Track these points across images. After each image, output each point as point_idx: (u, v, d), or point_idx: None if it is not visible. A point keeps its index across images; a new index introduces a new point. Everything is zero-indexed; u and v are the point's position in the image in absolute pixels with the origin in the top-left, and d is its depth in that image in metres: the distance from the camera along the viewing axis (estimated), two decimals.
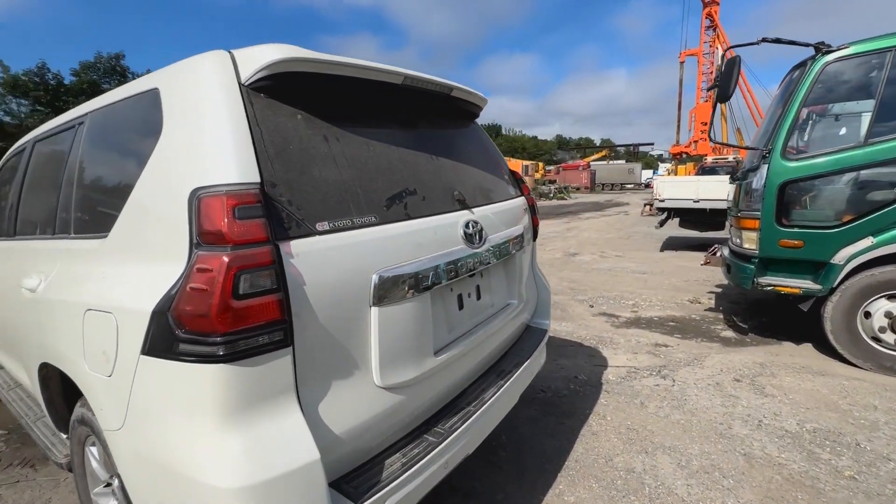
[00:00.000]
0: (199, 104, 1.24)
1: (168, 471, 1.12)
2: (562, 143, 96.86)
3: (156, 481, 1.17)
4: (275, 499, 1.05)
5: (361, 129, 1.49)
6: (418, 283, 1.42)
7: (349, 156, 1.40)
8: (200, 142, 1.20)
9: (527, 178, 38.12)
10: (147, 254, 1.24)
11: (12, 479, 2.40)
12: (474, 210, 1.81)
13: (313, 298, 1.17)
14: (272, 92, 1.29)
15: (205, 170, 1.13)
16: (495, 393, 1.77)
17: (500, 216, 2.01)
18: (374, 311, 1.30)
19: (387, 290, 1.32)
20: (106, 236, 1.43)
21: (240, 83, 1.24)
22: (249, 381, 1.07)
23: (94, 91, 27.11)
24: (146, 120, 1.40)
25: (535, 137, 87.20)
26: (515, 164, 39.44)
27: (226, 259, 1.02)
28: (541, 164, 45.24)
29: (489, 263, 1.80)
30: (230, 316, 1.02)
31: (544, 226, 15.00)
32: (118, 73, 29.30)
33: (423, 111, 1.83)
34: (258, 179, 1.13)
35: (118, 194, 1.40)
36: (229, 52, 1.30)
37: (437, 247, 1.54)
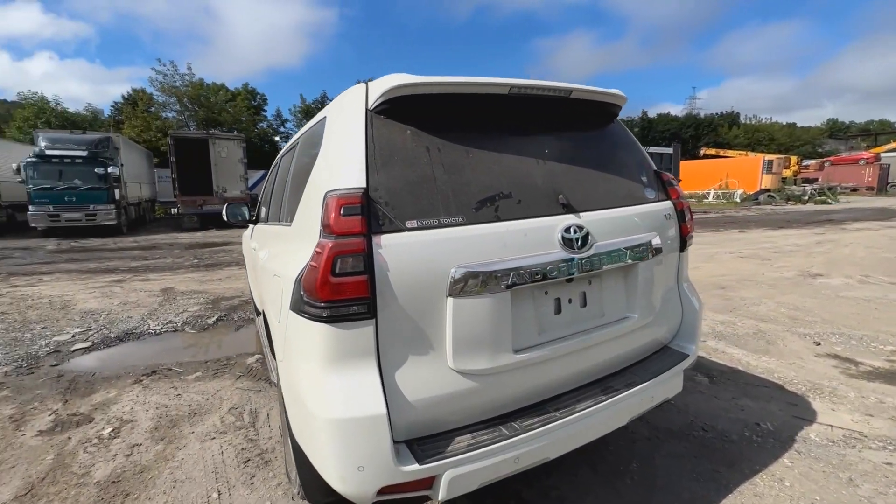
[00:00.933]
0: (341, 127, 1.63)
1: (295, 395, 1.54)
2: (836, 130, 73.36)
3: (292, 402, 1.63)
4: (350, 435, 1.33)
5: (465, 138, 1.65)
6: (497, 281, 1.49)
7: (447, 163, 1.57)
8: (336, 155, 1.58)
9: (769, 177, 30.51)
10: (304, 238, 1.70)
11: (258, 388, 3.51)
12: (582, 215, 1.74)
13: (396, 283, 1.40)
14: (390, 113, 1.58)
15: (333, 177, 1.50)
16: (591, 406, 1.67)
17: (621, 222, 1.85)
18: (450, 301, 1.45)
19: (463, 285, 1.45)
20: (290, 224, 2.00)
21: (366, 108, 1.58)
22: (342, 340, 1.38)
23: None
24: (317, 140, 1.89)
25: (793, 125, 68.23)
26: (753, 161, 32.21)
27: (329, 245, 1.35)
28: (793, 159, 35.45)
29: (595, 270, 1.70)
30: (328, 288, 1.34)
31: (779, 237, 11.93)
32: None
33: (540, 116, 1.85)
34: (364, 185, 1.43)
35: (300, 193, 1.94)
36: (366, 84, 1.65)
37: (526, 249, 1.57)
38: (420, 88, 1.55)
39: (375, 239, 1.39)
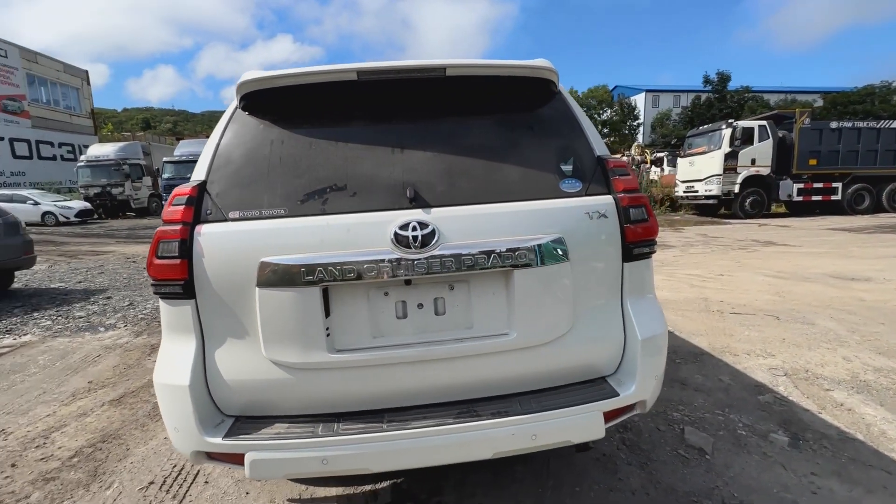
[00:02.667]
0: (218, 124, 1.77)
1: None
2: None
3: None
4: (166, 399, 1.50)
5: (313, 130, 1.60)
6: (300, 275, 1.43)
7: (286, 156, 1.56)
8: (204, 150, 1.72)
9: None
10: None
11: None
12: (435, 210, 1.50)
13: (212, 269, 1.49)
14: (249, 109, 1.65)
15: (195, 171, 1.66)
16: (433, 427, 1.46)
17: (496, 220, 1.51)
18: (258, 291, 1.46)
19: (268, 275, 1.44)
20: None
21: (235, 106, 1.68)
22: (170, 315, 1.54)
23: None
24: None
25: None
26: None
27: (157, 231, 1.52)
28: None
29: (446, 274, 1.45)
30: (153, 269, 1.51)
31: None
32: None
33: (418, 99, 1.65)
34: (203, 178, 1.55)
35: None
36: None
37: (347, 245, 1.46)
38: (267, 83, 1.57)
39: (198, 228, 1.51)
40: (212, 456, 1.50)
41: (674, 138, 35.52)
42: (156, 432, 2.77)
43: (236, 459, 1.47)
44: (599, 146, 1.70)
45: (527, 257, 1.48)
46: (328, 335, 1.49)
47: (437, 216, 1.48)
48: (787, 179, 15.39)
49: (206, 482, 2.30)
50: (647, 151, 21.13)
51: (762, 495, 2.07)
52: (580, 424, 1.52)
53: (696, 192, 16.01)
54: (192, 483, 2.29)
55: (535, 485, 2.20)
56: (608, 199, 1.61)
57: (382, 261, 1.43)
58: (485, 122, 1.68)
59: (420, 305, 1.54)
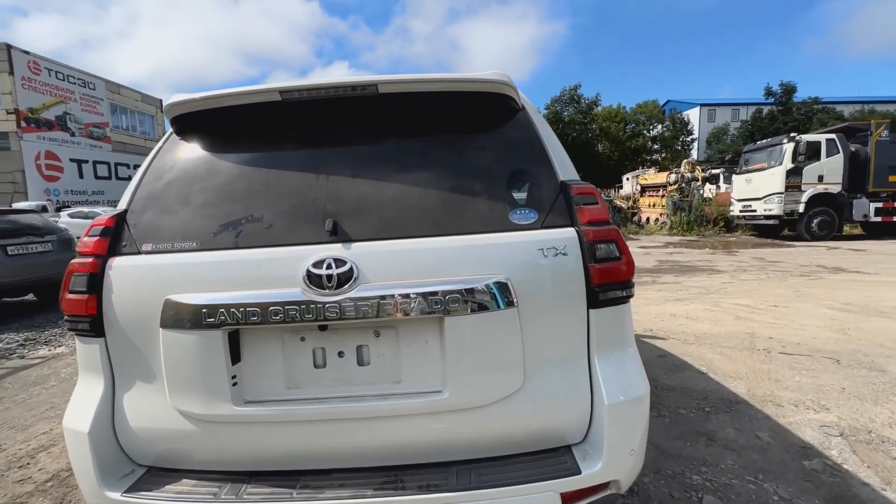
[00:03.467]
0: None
1: None
2: None
3: None
4: (70, 444, 1.38)
5: (236, 155, 1.48)
6: (201, 317, 1.28)
7: (205, 184, 1.44)
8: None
9: None
10: None
11: None
12: (357, 245, 1.30)
13: (120, 306, 1.37)
14: (180, 132, 1.57)
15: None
16: (348, 501, 1.24)
17: (429, 256, 1.28)
18: (161, 332, 1.32)
19: (171, 316, 1.30)
20: None
21: (171, 131, 1.60)
22: (81, 353, 1.44)
23: (556, 120, 34.37)
24: None
25: None
26: None
27: (70, 263, 1.43)
28: None
29: (362, 319, 1.24)
30: (65, 303, 1.42)
31: None
32: (574, 101, 35.61)
33: (351, 119, 1.48)
34: (125, 208, 1.46)
35: None
36: None
37: (255, 284, 1.29)
38: (189, 106, 1.47)
39: (111, 261, 1.40)
40: None
41: (731, 154, 33.45)
42: None
43: None
44: (565, 171, 1.45)
45: (461, 302, 1.25)
46: (234, 384, 1.32)
47: (358, 252, 1.29)
48: (861, 198, 13.82)
49: None
50: (700, 168, 19.86)
51: None
52: None
53: (754, 211, 14.73)
54: None
55: None
56: (569, 232, 1.34)
57: (290, 303, 1.25)
58: (426, 145, 1.48)
59: (341, 354, 1.34)
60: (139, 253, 1.40)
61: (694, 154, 39.91)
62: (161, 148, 1.58)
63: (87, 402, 1.39)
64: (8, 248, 6.15)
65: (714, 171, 23.69)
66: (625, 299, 1.36)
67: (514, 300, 1.27)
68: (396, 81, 1.39)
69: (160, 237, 1.41)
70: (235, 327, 1.30)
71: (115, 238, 1.42)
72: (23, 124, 24.76)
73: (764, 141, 15.89)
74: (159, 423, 1.37)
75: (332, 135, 1.50)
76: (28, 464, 2.71)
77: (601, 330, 1.34)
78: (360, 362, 1.34)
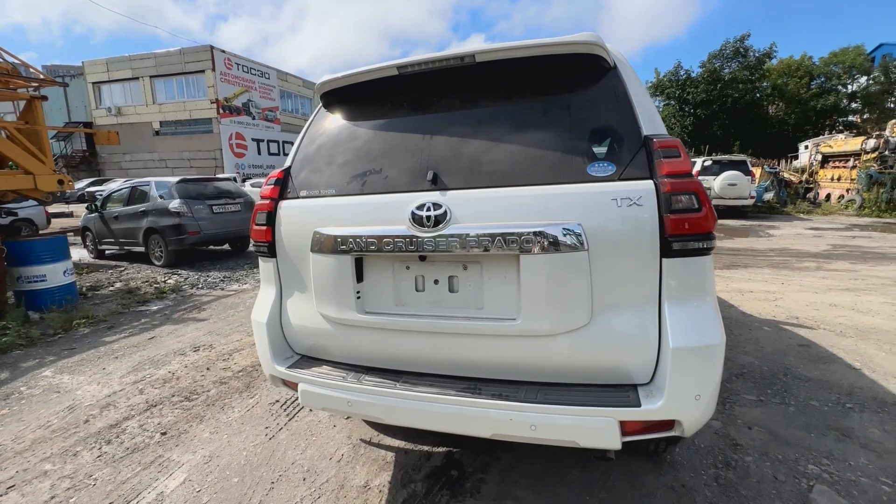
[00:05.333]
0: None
1: None
2: None
3: None
4: (255, 331, 1.97)
5: (366, 121, 1.83)
6: (336, 245, 1.69)
7: (344, 145, 1.85)
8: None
9: None
10: None
11: None
12: (451, 193, 1.55)
13: (286, 235, 1.88)
14: (327, 105, 2.00)
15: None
16: (437, 395, 1.56)
17: (509, 203, 1.47)
18: (311, 255, 1.78)
19: (317, 243, 1.75)
20: None
21: (321, 104, 2.05)
22: (263, 270, 2.01)
23: (714, 79, 29.57)
24: None
25: None
26: None
27: (256, 204, 1.98)
28: None
29: (457, 252, 1.51)
30: (253, 234, 1.98)
31: None
32: (741, 55, 29.99)
33: (447, 88, 1.72)
34: (289, 164, 1.97)
35: None
36: None
37: (374, 221, 1.65)
38: (332, 84, 1.88)
39: (280, 203, 1.91)
40: (284, 382, 1.92)
41: None
42: None
43: (295, 387, 1.85)
44: (651, 125, 1.48)
45: (535, 243, 1.43)
46: (358, 298, 1.73)
47: (452, 198, 1.55)
48: None
49: (310, 411, 2.87)
50: None
51: None
52: (589, 428, 1.41)
53: None
54: (300, 409, 2.89)
55: (584, 492, 2.07)
56: (646, 184, 1.40)
57: (398, 236, 1.59)
58: (516, 105, 1.64)
59: (436, 281, 1.64)
60: (298, 197, 1.90)
61: None
62: (314, 118, 2.05)
63: (265, 303, 1.96)
64: (214, 207, 8.03)
65: None
66: (703, 251, 1.38)
67: (585, 244, 1.41)
68: (492, 50, 1.58)
69: (311, 186, 1.87)
70: (360, 254, 1.70)
71: (283, 187, 1.94)
72: (221, 111, 30.79)
73: None
74: (309, 322, 1.87)
75: (439, 100, 1.78)
76: (228, 358, 3.74)
77: (674, 278, 1.39)
78: (451, 289, 1.63)
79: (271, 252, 1.91)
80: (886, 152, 13.76)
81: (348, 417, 2.76)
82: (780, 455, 2.29)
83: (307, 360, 1.92)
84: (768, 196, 15.16)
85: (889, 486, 2.05)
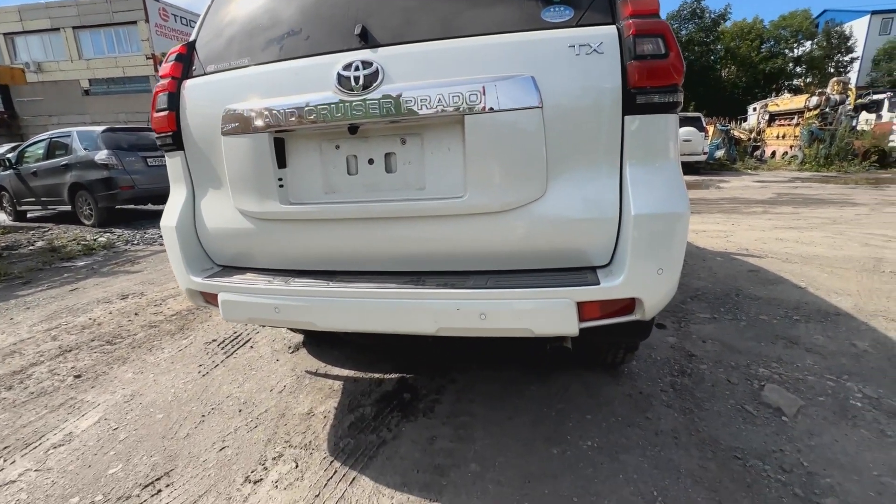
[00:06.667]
0: None
1: None
2: None
3: None
4: (165, 237, 1.68)
5: None
6: (250, 121, 1.42)
7: (250, 7, 1.55)
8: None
9: None
10: None
11: None
12: (383, 49, 1.31)
13: (192, 120, 1.58)
14: None
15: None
16: (374, 289, 1.37)
17: (458, 57, 1.25)
18: (222, 139, 1.50)
19: (228, 123, 1.47)
20: None
21: None
22: (170, 167, 1.70)
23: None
24: None
25: None
26: None
27: (156, 87, 1.66)
28: None
29: (388, 118, 1.28)
30: (154, 121, 1.66)
31: None
32: (697, 16, 30.29)
33: None
34: (195, 37, 1.64)
35: None
36: None
37: (295, 89, 1.38)
38: None
39: (185, 83, 1.60)
40: (204, 296, 1.66)
41: None
42: None
43: (216, 301, 1.60)
44: None
45: (480, 101, 1.22)
46: (281, 186, 1.48)
47: (385, 55, 1.31)
48: None
49: (252, 347, 2.63)
50: (853, 89, 16.14)
51: (852, 474, 1.52)
52: (544, 312, 1.26)
53: None
54: (241, 346, 2.64)
55: (542, 404, 1.98)
56: (607, 29, 1.21)
57: (323, 105, 1.33)
58: None
59: (371, 161, 1.42)
60: (205, 73, 1.58)
61: (853, 78, 32.16)
62: None
63: (175, 206, 1.67)
64: (148, 160, 7.31)
65: (876, 97, 19.12)
66: (669, 106, 1.22)
67: (538, 101, 1.21)
68: None
69: (220, 58, 1.57)
70: (279, 132, 1.44)
71: (187, 64, 1.61)
72: (157, 68, 28.22)
73: None
74: (228, 223, 1.61)
75: None
76: (161, 304, 3.39)
77: (637, 138, 1.23)
78: (388, 169, 1.41)
79: (177, 143, 1.61)
80: (827, 109, 14.44)
81: (304, 339, 2.55)
82: (733, 362, 2.30)
83: (229, 271, 1.66)
84: (720, 153, 15.67)
85: (833, 381, 2.09)
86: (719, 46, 31.76)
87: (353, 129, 1.36)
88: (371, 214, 1.40)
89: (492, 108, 1.22)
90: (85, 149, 7.15)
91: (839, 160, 13.79)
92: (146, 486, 1.58)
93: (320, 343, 2.64)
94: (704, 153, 13.87)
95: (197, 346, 2.65)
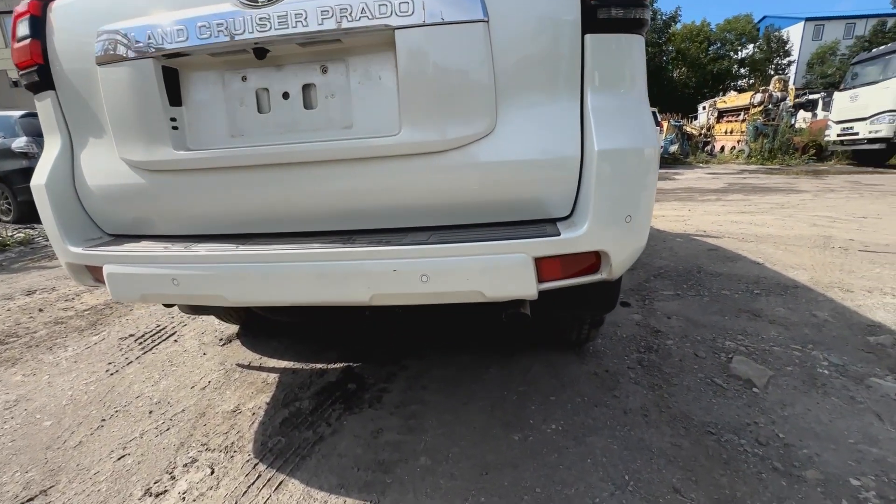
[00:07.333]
0: None
1: None
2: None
3: None
4: (38, 203, 1.35)
5: None
6: (130, 43, 1.13)
7: None
8: None
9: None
10: None
11: None
12: None
13: (64, 49, 1.27)
14: None
15: None
16: (292, 251, 1.12)
17: None
18: (98, 70, 1.21)
19: (105, 48, 1.18)
20: None
21: None
22: (41, 114, 1.37)
23: None
24: None
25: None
26: None
27: (15, 12, 1.33)
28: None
29: (299, 34, 1.03)
30: (15, 54, 1.33)
31: None
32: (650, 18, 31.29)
33: None
34: None
35: None
36: None
37: (187, 3, 1.11)
38: None
39: (51, 4, 1.28)
40: (91, 272, 1.35)
41: (837, 78, 28.39)
42: None
43: (97, 275, 1.30)
44: None
45: (411, 9, 1.00)
46: (175, 128, 1.21)
47: None
48: None
49: (176, 341, 2.30)
50: (793, 88, 17.14)
51: (828, 443, 1.41)
52: (496, 269, 1.05)
53: (856, 134, 12.59)
54: (163, 340, 2.31)
55: (502, 388, 1.79)
56: None
57: (221, 22, 1.07)
58: None
59: (286, 95, 1.16)
60: None
61: (791, 79, 34.39)
62: None
63: (47, 161, 1.35)
64: None
65: (812, 97, 20.42)
66: (634, 24, 1.05)
67: (483, 12, 1.00)
68: None
69: None
70: (170, 60, 1.16)
71: None
72: None
73: (882, 48, 13.21)
74: (112, 178, 1.31)
75: None
76: (73, 298, 2.97)
77: (599, 61, 1.04)
78: (307, 105, 1.16)
79: (45, 80, 1.29)
80: (770, 106, 15.23)
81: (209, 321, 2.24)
82: (699, 336, 2.20)
83: (120, 240, 1.36)
84: (673, 148, 16.21)
85: (799, 351, 2.02)
86: (671, 48, 33.09)
87: (260, 54, 1.10)
88: (288, 160, 1.15)
89: (427, 22, 1.00)
90: (0, 137, 6.39)
91: (781, 154, 14.59)
92: None
93: (257, 334, 2.34)
94: (661, 148, 14.30)
95: (109, 343, 2.29)
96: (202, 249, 1.18)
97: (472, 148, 1.08)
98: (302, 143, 1.13)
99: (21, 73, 1.30)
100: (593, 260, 1.12)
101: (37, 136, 6.34)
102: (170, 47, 1.10)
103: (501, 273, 1.06)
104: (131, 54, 1.13)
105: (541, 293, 1.09)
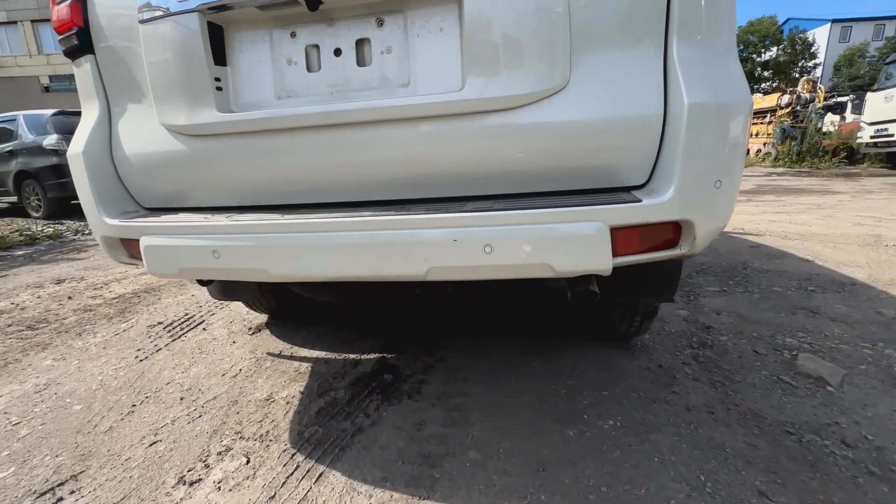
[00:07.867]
0: None
1: None
2: None
3: None
4: (73, 172, 1.29)
5: None
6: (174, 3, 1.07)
7: None
8: None
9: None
10: None
11: None
12: None
13: (104, 9, 1.21)
14: None
15: None
16: (341, 220, 1.03)
17: None
18: (140, 28, 1.14)
19: (147, 8, 1.11)
20: None
21: None
22: (79, 79, 1.32)
23: None
24: None
25: None
26: None
27: None
28: None
29: None
30: (56, 22, 1.28)
31: None
32: None
33: None
34: None
35: None
36: None
37: None
38: None
39: None
40: (125, 247, 1.29)
41: (867, 80, 27.47)
42: (190, 289, 2.85)
43: (135, 249, 1.24)
44: None
45: None
46: (219, 88, 1.14)
47: None
48: None
49: (204, 329, 2.24)
50: (822, 88, 16.63)
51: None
52: (568, 240, 0.95)
53: (891, 135, 12.10)
54: (192, 329, 2.25)
55: (548, 381, 1.67)
56: None
57: None
58: None
59: (337, 52, 1.08)
60: None
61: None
62: None
63: (84, 129, 1.30)
64: None
65: (840, 99, 19.78)
66: None
67: None
68: None
69: None
70: (215, 15, 1.09)
71: None
72: None
73: None
74: (151, 146, 1.24)
75: None
76: (102, 287, 2.95)
77: (687, 5, 0.93)
78: (361, 62, 1.08)
79: (85, 43, 1.24)
80: (798, 107, 14.78)
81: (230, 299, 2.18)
82: (755, 333, 2.05)
83: (158, 213, 1.30)
84: None
85: (870, 349, 1.86)
86: None
87: (312, 5, 1.02)
88: (339, 120, 1.06)
89: None
90: (32, 134, 6.54)
91: (810, 157, 14.11)
92: (42, 495, 1.20)
93: (286, 323, 2.27)
94: None
95: (138, 330, 2.25)
96: (245, 220, 1.10)
97: (542, 105, 0.98)
98: (355, 102, 1.05)
99: (61, 37, 1.25)
100: (673, 233, 1.00)
101: (67, 133, 6.47)
102: (220, 7, 1.03)
103: (574, 244, 0.95)
104: (176, 11, 1.06)
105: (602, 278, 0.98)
